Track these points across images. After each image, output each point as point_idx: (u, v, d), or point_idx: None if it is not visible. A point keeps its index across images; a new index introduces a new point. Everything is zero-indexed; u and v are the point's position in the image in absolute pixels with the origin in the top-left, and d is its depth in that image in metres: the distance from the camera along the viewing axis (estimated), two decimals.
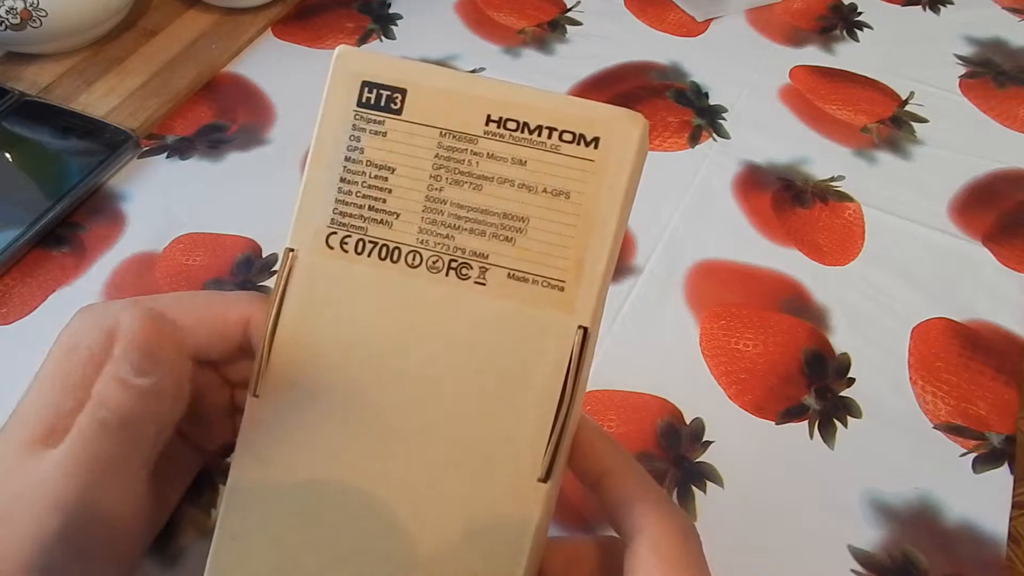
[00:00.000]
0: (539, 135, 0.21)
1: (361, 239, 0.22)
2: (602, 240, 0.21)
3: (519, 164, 0.21)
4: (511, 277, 0.21)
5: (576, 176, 0.21)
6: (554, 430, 0.21)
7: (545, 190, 0.21)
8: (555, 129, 0.21)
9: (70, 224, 0.42)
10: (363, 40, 0.54)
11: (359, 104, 0.22)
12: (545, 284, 0.21)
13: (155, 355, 0.20)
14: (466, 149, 0.21)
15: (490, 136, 0.21)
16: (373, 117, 0.22)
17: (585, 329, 0.21)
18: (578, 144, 0.21)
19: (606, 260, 0.21)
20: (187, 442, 0.27)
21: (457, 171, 0.21)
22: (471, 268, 0.21)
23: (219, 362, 0.26)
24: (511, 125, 0.21)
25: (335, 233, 0.22)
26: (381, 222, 0.22)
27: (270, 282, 0.40)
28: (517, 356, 0.21)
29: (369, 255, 0.22)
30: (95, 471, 0.21)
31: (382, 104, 0.22)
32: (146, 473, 0.23)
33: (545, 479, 0.21)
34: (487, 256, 0.21)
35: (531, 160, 0.21)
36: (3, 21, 0.45)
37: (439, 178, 0.21)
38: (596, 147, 0.21)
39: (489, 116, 0.21)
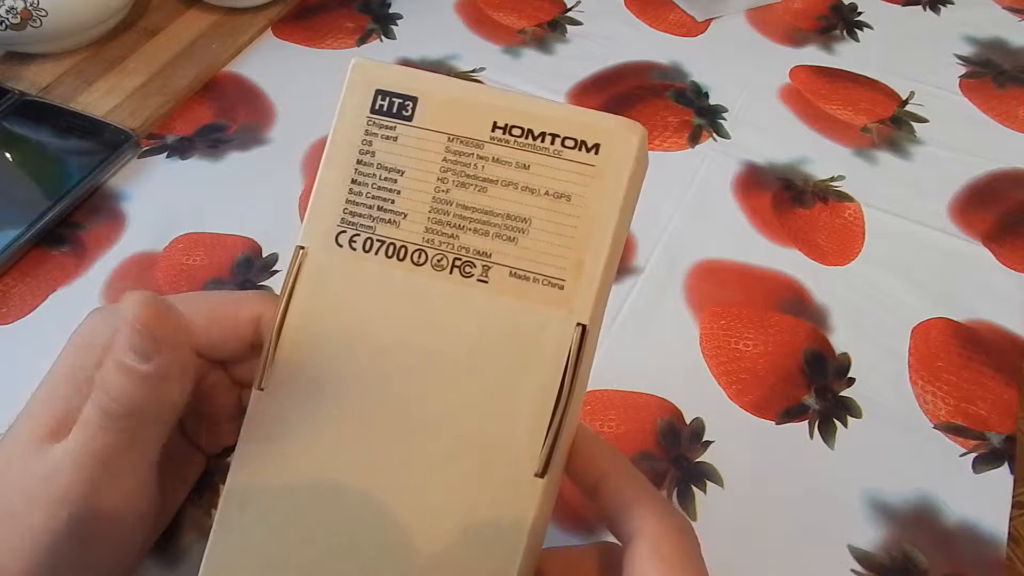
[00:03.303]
0: (543, 141, 0.22)
1: (369, 238, 0.22)
2: (601, 241, 0.21)
3: (523, 168, 0.22)
4: (513, 275, 0.22)
5: (577, 180, 0.22)
6: (551, 426, 0.21)
7: (547, 193, 0.22)
8: (558, 136, 0.22)
9: (70, 224, 0.42)
10: (363, 40, 0.54)
11: (372, 111, 0.23)
12: (545, 283, 0.22)
13: (157, 338, 0.20)
14: (472, 153, 0.22)
15: (496, 142, 0.22)
16: (385, 123, 0.23)
17: (584, 327, 0.21)
18: (579, 150, 0.22)
19: (605, 260, 0.21)
20: (191, 444, 0.27)
21: (463, 174, 0.22)
22: (474, 266, 0.22)
23: (229, 361, 0.26)
24: (516, 132, 0.22)
25: (344, 232, 0.23)
26: (389, 222, 0.22)
27: (270, 282, 0.40)
28: (517, 352, 0.22)
29: (376, 253, 0.22)
30: (101, 462, 0.21)
31: (394, 111, 0.23)
32: (151, 465, 0.23)
33: (542, 474, 0.21)
34: (490, 255, 0.22)
35: (534, 164, 0.22)
36: (3, 21, 0.45)
37: (446, 180, 0.22)
38: (597, 153, 0.22)
39: (495, 123, 0.22)
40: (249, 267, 0.41)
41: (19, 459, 0.22)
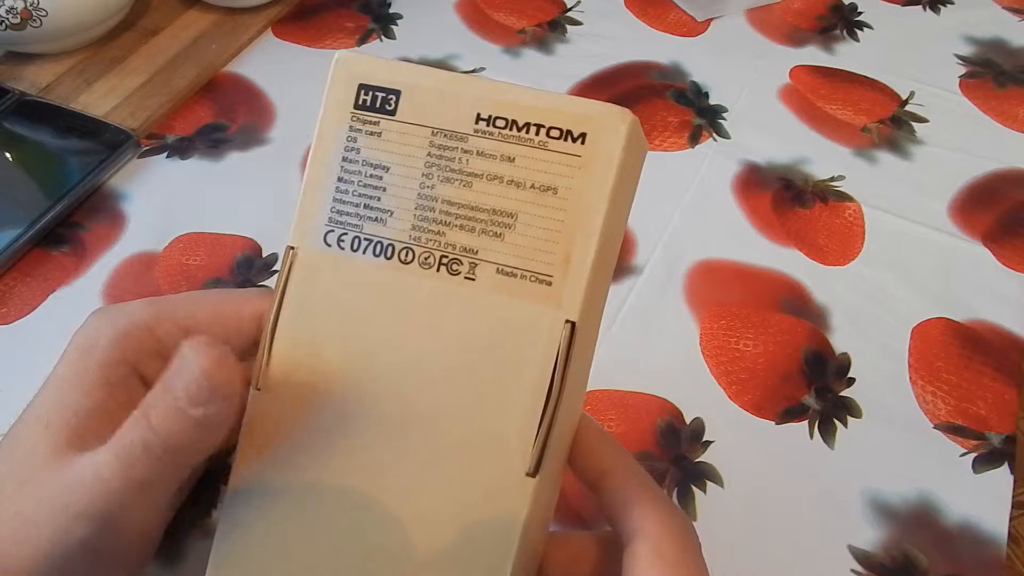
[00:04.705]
0: (527, 132, 0.21)
1: (357, 236, 0.22)
2: (589, 235, 0.21)
3: (508, 161, 0.21)
4: (500, 272, 0.21)
5: (563, 172, 0.21)
6: (542, 424, 0.21)
7: (533, 186, 0.21)
8: (543, 126, 0.21)
9: (70, 224, 0.42)
10: (363, 40, 0.54)
11: (356, 106, 0.22)
12: (533, 279, 0.21)
13: (215, 387, 0.20)
14: (456, 147, 0.22)
15: (480, 134, 0.22)
16: (369, 118, 0.22)
17: (573, 323, 0.21)
18: (565, 140, 0.21)
19: (593, 255, 0.21)
20: None
21: (448, 168, 0.22)
22: (461, 264, 0.22)
23: None
24: (500, 123, 0.21)
25: (332, 231, 0.22)
26: (376, 219, 0.22)
27: (270, 282, 0.40)
28: (507, 351, 0.21)
29: (364, 252, 0.22)
30: (131, 490, 0.21)
31: (377, 105, 0.22)
32: (173, 493, 0.23)
33: (533, 473, 0.21)
34: (477, 252, 0.21)
35: (519, 157, 0.21)
36: (3, 21, 0.45)
37: (431, 176, 0.22)
38: (583, 143, 0.21)
39: (479, 114, 0.22)
40: (249, 267, 0.41)
41: (37, 469, 0.21)
